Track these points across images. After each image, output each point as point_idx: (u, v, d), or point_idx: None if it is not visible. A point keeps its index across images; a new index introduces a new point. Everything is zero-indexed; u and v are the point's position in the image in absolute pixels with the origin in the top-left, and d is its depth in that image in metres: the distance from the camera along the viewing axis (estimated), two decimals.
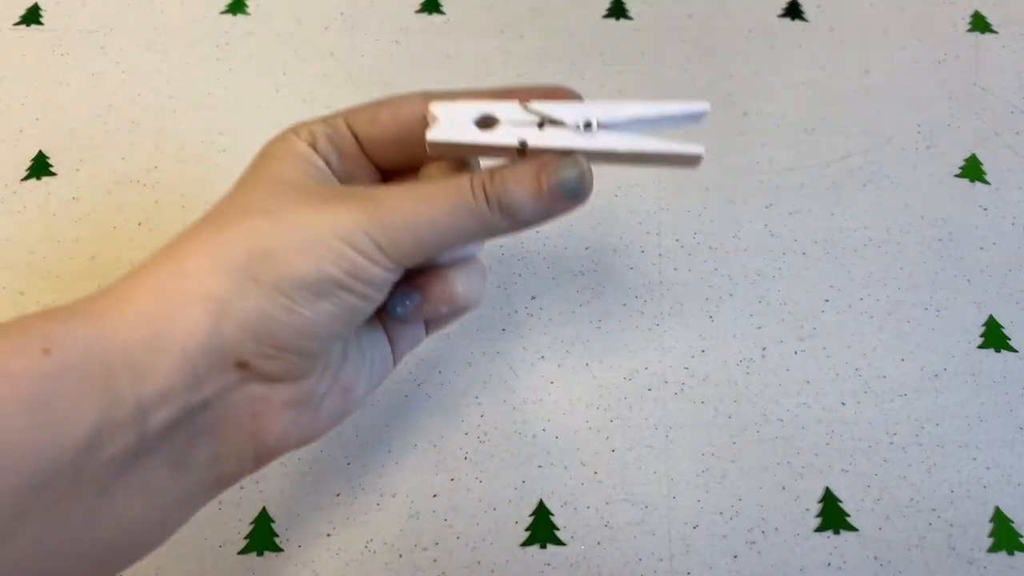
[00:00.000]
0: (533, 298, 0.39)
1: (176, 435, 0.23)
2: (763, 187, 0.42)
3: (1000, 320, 0.40)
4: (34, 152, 0.42)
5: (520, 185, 0.26)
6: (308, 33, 0.46)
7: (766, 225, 0.41)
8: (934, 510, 0.35)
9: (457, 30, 0.47)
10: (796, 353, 0.39)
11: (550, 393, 0.37)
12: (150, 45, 0.46)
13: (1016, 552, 0.34)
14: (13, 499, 0.20)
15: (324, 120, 0.28)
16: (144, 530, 0.23)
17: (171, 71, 0.45)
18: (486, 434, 0.36)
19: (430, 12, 0.47)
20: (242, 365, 0.24)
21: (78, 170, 0.42)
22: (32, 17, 0.46)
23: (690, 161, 0.26)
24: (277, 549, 0.34)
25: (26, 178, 0.41)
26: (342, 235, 0.24)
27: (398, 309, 0.28)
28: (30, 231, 0.40)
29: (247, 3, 0.47)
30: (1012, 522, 0.35)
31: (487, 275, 0.31)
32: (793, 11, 0.48)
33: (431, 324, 0.32)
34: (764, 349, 0.39)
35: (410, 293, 0.28)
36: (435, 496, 0.35)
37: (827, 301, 0.40)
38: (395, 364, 0.31)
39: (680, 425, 0.37)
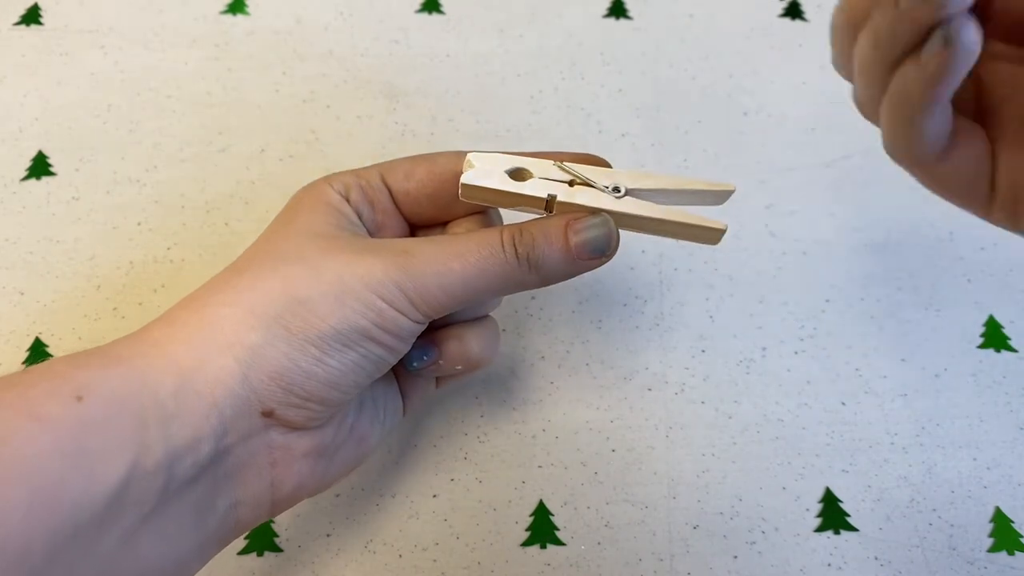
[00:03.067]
0: (533, 298, 0.39)
1: (199, 482, 0.23)
2: (763, 187, 0.42)
3: (1000, 320, 0.40)
4: (34, 152, 0.42)
5: (548, 240, 0.26)
6: (308, 33, 0.46)
7: (766, 225, 0.41)
8: (934, 510, 0.35)
9: (457, 30, 0.47)
10: (796, 353, 0.39)
11: (550, 393, 0.37)
12: (150, 45, 0.46)
13: (1016, 552, 0.34)
14: (45, 547, 0.19)
15: (357, 172, 0.29)
16: None
17: (171, 71, 0.45)
18: (486, 434, 0.36)
19: (430, 12, 0.47)
20: (267, 413, 0.24)
21: (78, 170, 0.42)
22: (32, 17, 0.46)
23: (712, 235, 0.28)
24: (277, 549, 0.34)
25: (26, 178, 0.41)
26: (373, 287, 0.24)
27: (415, 363, 0.29)
28: (30, 231, 0.40)
29: (247, 3, 0.47)
30: (1012, 522, 0.35)
31: (500, 335, 0.32)
32: (793, 11, 0.48)
33: (441, 378, 0.32)
34: (764, 349, 0.39)
35: (428, 348, 0.29)
36: (435, 496, 0.35)
37: (827, 301, 0.40)
38: (405, 414, 0.32)
39: (680, 425, 0.37)
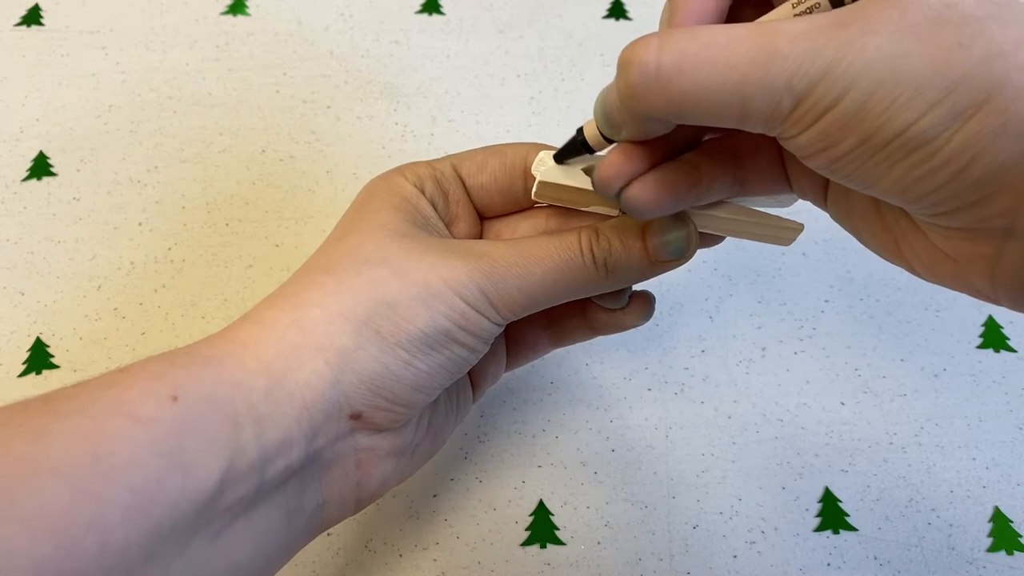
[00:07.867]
0: None
1: (289, 485, 0.23)
2: None
3: (999, 320, 0.40)
4: (34, 152, 0.42)
5: (625, 244, 0.26)
6: (308, 33, 0.46)
7: None
8: (933, 510, 0.35)
9: (457, 30, 0.47)
10: (796, 353, 0.39)
11: (550, 393, 0.37)
12: (150, 45, 0.46)
13: (1015, 552, 0.34)
14: (143, 545, 0.20)
15: (430, 164, 0.29)
16: (251, 574, 0.23)
17: (171, 71, 0.45)
18: (486, 434, 0.36)
19: (430, 12, 0.47)
20: (355, 416, 0.24)
21: (78, 170, 0.42)
22: (32, 18, 0.46)
23: (787, 236, 0.27)
24: None
25: (26, 178, 0.42)
26: (458, 290, 0.25)
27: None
28: (30, 231, 0.40)
29: (247, 3, 0.47)
30: (1011, 522, 0.35)
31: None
32: None
33: (512, 362, 0.33)
34: (764, 349, 0.39)
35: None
36: (435, 496, 0.35)
37: (827, 301, 0.40)
38: (474, 402, 0.32)
39: (680, 425, 0.37)
